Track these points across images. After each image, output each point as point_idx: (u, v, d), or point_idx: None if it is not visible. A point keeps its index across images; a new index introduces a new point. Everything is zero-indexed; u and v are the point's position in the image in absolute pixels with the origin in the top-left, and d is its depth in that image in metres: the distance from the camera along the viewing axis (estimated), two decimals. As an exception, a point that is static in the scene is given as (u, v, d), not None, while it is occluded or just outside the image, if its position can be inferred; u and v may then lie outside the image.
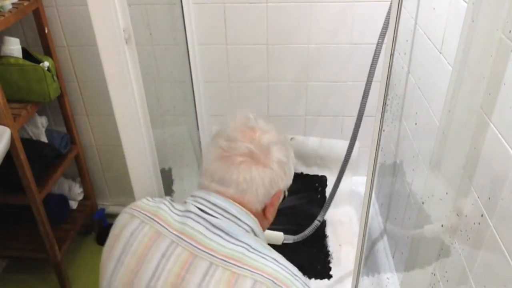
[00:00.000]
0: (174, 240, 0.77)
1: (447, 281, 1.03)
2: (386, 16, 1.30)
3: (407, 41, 1.41)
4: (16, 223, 1.89)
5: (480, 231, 0.87)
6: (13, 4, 1.48)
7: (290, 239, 1.56)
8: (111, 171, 2.04)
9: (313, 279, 1.61)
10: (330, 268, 1.64)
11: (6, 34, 1.56)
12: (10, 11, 1.45)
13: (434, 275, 1.12)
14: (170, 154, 1.74)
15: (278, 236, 1.51)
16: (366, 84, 1.43)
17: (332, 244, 1.74)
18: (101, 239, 2.07)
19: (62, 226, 1.88)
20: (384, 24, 1.31)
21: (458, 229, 0.97)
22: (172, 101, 1.76)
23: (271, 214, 0.88)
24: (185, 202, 0.84)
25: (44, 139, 1.76)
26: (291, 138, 1.93)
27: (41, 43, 1.65)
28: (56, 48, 1.70)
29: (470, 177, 0.92)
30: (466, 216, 0.93)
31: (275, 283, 0.72)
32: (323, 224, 1.82)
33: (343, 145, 1.86)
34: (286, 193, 0.91)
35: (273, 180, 0.83)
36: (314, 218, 1.67)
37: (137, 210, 0.84)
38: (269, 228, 0.98)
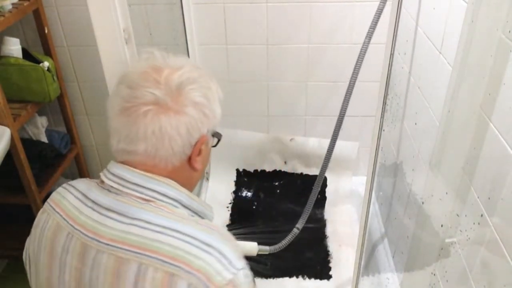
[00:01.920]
0: (70, 231, 0.71)
1: (447, 281, 1.03)
2: (374, 16, 1.29)
3: (407, 41, 1.41)
4: (16, 223, 1.89)
5: (480, 231, 0.87)
6: (13, 4, 1.48)
7: (266, 250, 1.43)
8: (111, 171, 2.04)
9: (312, 279, 1.61)
10: (330, 269, 1.64)
11: (6, 34, 1.56)
12: (10, 11, 1.45)
13: (434, 275, 1.12)
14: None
15: (252, 248, 1.38)
16: (349, 85, 1.40)
17: (332, 244, 1.74)
18: (101, 239, 2.07)
19: (62, 226, 1.88)
20: (372, 24, 1.28)
21: (458, 229, 0.97)
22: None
23: (201, 163, 0.76)
24: (101, 180, 0.74)
25: (44, 139, 1.76)
26: (291, 139, 1.93)
27: (41, 43, 1.65)
28: (56, 48, 1.70)
29: (470, 177, 0.92)
30: (466, 216, 0.93)
31: (165, 262, 0.64)
32: (323, 224, 1.82)
33: (343, 145, 1.87)
34: (220, 135, 0.79)
35: (191, 127, 0.71)
36: (313, 218, 1.66)
37: (48, 203, 0.78)
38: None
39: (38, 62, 1.56)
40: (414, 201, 1.32)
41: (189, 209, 0.74)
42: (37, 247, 0.75)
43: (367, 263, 1.66)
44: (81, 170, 1.96)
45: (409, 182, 1.39)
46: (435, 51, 1.15)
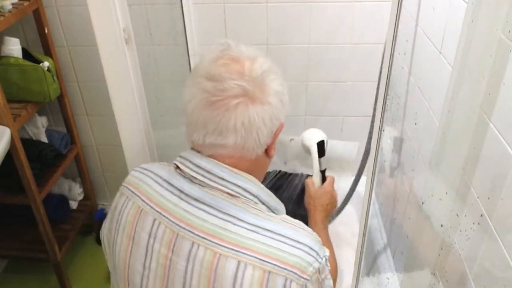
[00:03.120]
0: (156, 217, 0.72)
1: (447, 281, 1.03)
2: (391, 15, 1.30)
3: (407, 41, 1.41)
4: (16, 223, 1.89)
5: (480, 231, 0.87)
6: (13, 4, 1.48)
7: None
8: (111, 171, 2.04)
9: (313, 279, 1.60)
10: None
11: (6, 34, 1.56)
12: (10, 11, 1.45)
13: (434, 275, 1.12)
14: (170, 154, 1.74)
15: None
16: (378, 87, 1.41)
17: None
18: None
19: (62, 226, 1.88)
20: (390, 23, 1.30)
21: (458, 229, 0.97)
22: (172, 101, 1.76)
23: (274, 150, 0.79)
24: (176, 166, 0.75)
25: (44, 139, 1.76)
26: (291, 140, 1.93)
27: (41, 43, 1.65)
28: (56, 48, 1.70)
29: (470, 177, 0.92)
30: (466, 216, 0.93)
31: (262, 260, 0.67)
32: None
33: (343, 145, 1.86)
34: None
35: (273, 116, 0.73)
36: None
37: (125, 186, 0.79)
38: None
39: (38, 62, 1.56)
40: (414, 201, 1.32)
41: (266, 205, 0.76)
42: (115, 229, 0.77)
43: (367, 263, 1.66)
44: (81, 170, 1.96)
45: (409, 182, 1.39)
46: (435, 51, 1.15)
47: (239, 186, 0.72)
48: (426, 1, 1.25)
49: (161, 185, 0.75)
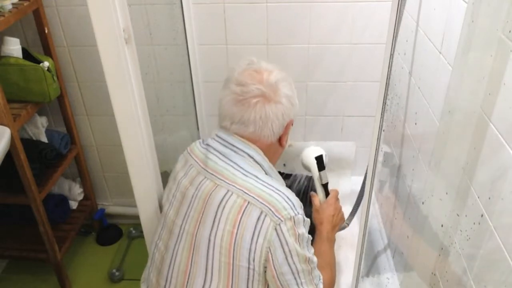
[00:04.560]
0: (192, 163, 1.01)
1: (447, 281, 1.03)
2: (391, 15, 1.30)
3: (407, 41, 1.41)
4: (16, 223, 1.89)
5: (480, 231, 0.87)
6: (13, 4, 1.48)
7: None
8: (111, 171, 2.04)
9: (313, 279, 1.60)
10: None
11: (6, 34, 1.56)
12: (10, 11, 1.45)
13: (434, 275, 1.12)
14: (170, 154, 1.74)
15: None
16: (384, 88, 1.41)
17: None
18: (101, 239, 2.07)
19: (62, 226, 1.88)
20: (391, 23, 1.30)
21: (458, 229, 0.97)
22: (172, 101, 1.76)
23: (286, 141, 1.04)
24: (210, 139, 1.02)
25: (44, 139, 1.76)
26: (289, 146, 1.93)
27: (41, 43, 1.65)
28: (56, 48, 1.70)
29: (470, 177, 0.92)
30: (466, 216, 0.93)
31: (245, 193, 0.90)
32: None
33: (341, 146, 1.86)
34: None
35: (284, 113, 0.97)
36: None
37: (186, 149, 1.07)
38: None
39: (38, 62, 1.56)
40: (414, 201, 1.32)
41: (266, 172, 0.98)
42: (171, 178, 1.07)
43: (367, 263, 1.66)
44: (81, 170, 1.96)
45: (409, 182, 1.39)
46: (435, 51, 1.15)
47: (245, 152, 0.96)
48: (426, 1, 1.25)
49: (203, 148, 1.03)
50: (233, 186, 0.91)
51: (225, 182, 0.92)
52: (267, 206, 0.87)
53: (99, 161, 2.01)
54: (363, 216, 1.04)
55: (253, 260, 0.87)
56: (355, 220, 1.84)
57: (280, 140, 1.02)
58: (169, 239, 0.99)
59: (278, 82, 0.97)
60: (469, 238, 0.91)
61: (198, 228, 0.92)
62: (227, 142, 0.98)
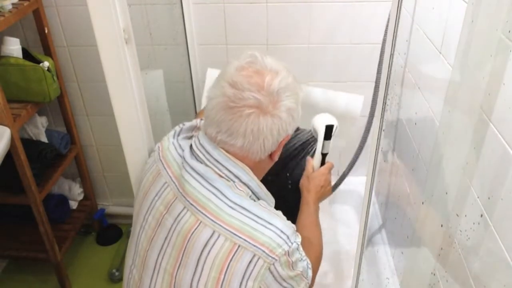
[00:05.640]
0: (167, 181, 0.86)
1: (447, 281, 1.03)
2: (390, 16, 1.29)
3: (407, 41, 1.41)
4: (16, 223, 1.89)
5: (480, 231, 0.87)
6: (13, 4, 1.48)
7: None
8: (111, 171, 2.04)
9: (313, 279, 1.61)
10: (329, 269, 1.64)
11: (6, 34, 1.56)
12: (10, 11, 1.45)
13: (434, 275, 1.12)
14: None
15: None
16: (376, 84, 1.41)
17: (331, 244, 1.74)
18: (101, 239, 2.07)
19: (62, 226, 1.88)
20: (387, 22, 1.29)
21: (458, 229, 0.97)
22: (172, 101, 1.76)
23: (277, 156, 0.90)
24: (191, 144, 0.88)
25: (44, 139, 1.76)
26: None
27: (41, 43, 1.65)
28: (56, 48, 1.70)
29: (470, 177, 0.92)
30: (466, 216, 0.93)
31: (235, 235, 0.77)
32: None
33: (347, 98, 1.73)
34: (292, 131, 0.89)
35: (281, 128, 0.82)
36: None
37: (158, 148, 0.93)
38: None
39: (38, 62, 1.56)
40: (414, 201, 1.32)
41: (254, 194, 0.86)
42: (140, 182, 0.93)
43: (367, 263, 1.66)
44: (81, 170, 1.96)
45: (409, 182, 1.39)
46: (435, 51, 1.15)
47: (230, 172, 0.83)
48: (425, 1, 1.25)
49: (179, 155, 0.88)
50: (219, 225, 0.78)
51: (209, 219, 0.79)
52: (260, 249, 0.76)
53: (99, 161, 2.01)
54: (363, 216, 1.04)
55: None
56: (355, 220, 1.85)
57: (271, 156, 0.88)
58: (143, 271, 0.87)
59: (281, 92, 0.81)
60: (469, 238, 0.91)
61: (178, 269, 0.81)
62: (210, 155, 0.83)
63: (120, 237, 2.09)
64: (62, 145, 1.80)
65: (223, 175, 0.82)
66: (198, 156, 0.84)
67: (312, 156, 1.21)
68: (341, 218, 1.88)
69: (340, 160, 1.83)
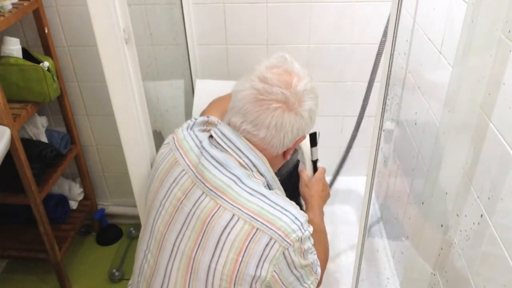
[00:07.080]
0: (185, 169, 0.89)
1: (447, 281, 1.03)
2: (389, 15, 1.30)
3: (407, 41, 1.41)
4: (16, 223, 1.89)
5: (480, 231, 0.87)
6: (13, 4, 1.48)
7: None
8: (111, 171, 2.04)
9: (313, 279, 1.60)
10: (329, 269, 1.64)
11: (6, 34, 1.56)
12: (10, 11, 1.45)
13: (434, 275, 1.12)
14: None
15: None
16: (369, 84, 1.42)
17: (331, 245, 1.74)
18: (101, 239, 2.07)
19: (62, 226, 1.88)
20: (387, 23, 1.30)
21: (458, 229, 0.97)
22: (172, 101, 1.76)
23: (290, 154, 0.96)
24: (210, 135, 0.91)
25: (44, 139, 1.76)
26: None
27: (41, 43, 1.65)
28: (56, 48, 1.70)
29: (470, 177, 0.92)
30: (466, 216, 0.93)
31: (253, 218, 0.81)
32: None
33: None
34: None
35: (300, 127, 0.89)
36: None
37: (173, 138, 0.96)
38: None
39: (38, 62, 1.56)
40: (414, 201, 1.32)
41: (269, 187, 0.91)
42: (154, 171, 0.96)
43: (367, 263, 1.66)
44: (81, 170, 1.96)
45: (409, 182, 1.39)
46: (435, 51, 1.15)
47: (250, 160, 0.87)
48: (426, 1, 1.25)
49: (196, 145, 0.91)
50: (239, 209, 0.82)
51: (229, 203, 0.82)
52: (277, 232, 0.80)
53: (99, 161, 2.01)
54: (363, 216, 1.04)
55: (256, 283, 0.82)
56: (355, 220, 1.85)
57: (284, 153, 0.94)
58: (160, 254, 0.90)
59: (306, 93, 0.88)
60: (469, 238, 0.91)
61: (196, 251, 0.84)
62: (232, 143, 0.87)
63: (120, 237, 2.09)
64: (62, 145, 1.80)
65: (243, 163, 0.86)
66: (219, 144, 0.88)
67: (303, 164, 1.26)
68: (341, 218, 1.88)
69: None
